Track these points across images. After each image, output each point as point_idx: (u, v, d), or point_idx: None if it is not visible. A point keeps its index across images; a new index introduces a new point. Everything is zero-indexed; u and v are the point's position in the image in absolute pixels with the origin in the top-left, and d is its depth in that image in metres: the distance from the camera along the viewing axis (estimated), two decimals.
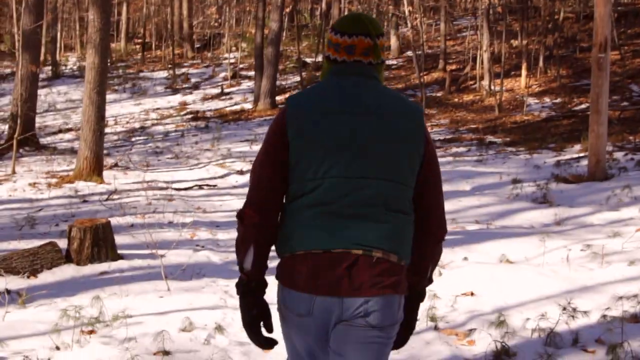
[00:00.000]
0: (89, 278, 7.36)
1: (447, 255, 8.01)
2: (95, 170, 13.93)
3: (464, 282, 6.88)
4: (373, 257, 2.84)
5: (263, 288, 3.05)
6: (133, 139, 21.69)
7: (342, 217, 2.86)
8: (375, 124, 2.91)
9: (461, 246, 8.40)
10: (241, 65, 33.69)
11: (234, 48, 37.00)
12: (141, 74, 33.97)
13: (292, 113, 2.94)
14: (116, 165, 16.31)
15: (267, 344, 3.08)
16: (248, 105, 26.78)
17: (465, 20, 35.68)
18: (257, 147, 18.52)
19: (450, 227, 9.53)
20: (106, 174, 14.89)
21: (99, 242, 7.69)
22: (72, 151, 18.13)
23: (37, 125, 24.01)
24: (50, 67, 34.77)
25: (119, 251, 8.10)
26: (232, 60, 34.42)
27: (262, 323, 3.07)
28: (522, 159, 15.05)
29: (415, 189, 2.97)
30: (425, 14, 32.49)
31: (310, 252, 2.87)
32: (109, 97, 29.19)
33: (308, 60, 32.43)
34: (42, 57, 38.44)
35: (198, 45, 41.02)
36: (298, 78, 28.44)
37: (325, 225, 2.87)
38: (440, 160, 14.32)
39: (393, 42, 32.31)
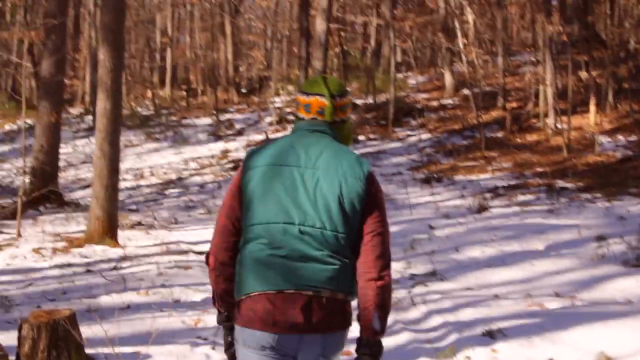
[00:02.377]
0: None
1: (526, 351, 6.01)
2: (108, 232, 12.15)
3: None
4: (322, 297, 3.16)
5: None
6: (167, 192, 19.97)
7: (289, 259, 3.16)
8: (319, 177, 3.22)
9: (541, 335, 6.38)
10: (288, 110, 32.00)
11: (281, 91, 35.37)
12: (184, 121, 32.42)
13: (247, 165, 3.33)
14: (139, 223, 14.53)
15: None
16: None
17: (523, 55, 33.66)
18: None
19: (524, 305, 7.55)
20: (125, 234, 13.15)
21: (57, 343, 5.80)
22: None
23: (70, 178, 22.69)
24: (91, 117, 33.53)
25: (92, 350, 6.21)
26: (279, 105, 32.80)
27: None
28: (600, 208, 12.90)
29: (357, 235, 3.23)
30: (482, 46, 30.50)
31: (265, 292, 3.17)
32: (149, 146, 27.91)
33: (358, 101, 30.64)
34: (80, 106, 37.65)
35: (244, 90, 39.51)
36: None
37: (275, 267, 3.16)
38: (505, 210, 12.33)
39: (447, 79, 30.38)
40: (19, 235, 12.93)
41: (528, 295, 7.84)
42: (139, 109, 36.49)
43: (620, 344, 6.06)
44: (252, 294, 3.17)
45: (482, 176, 18.07)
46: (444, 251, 10.59)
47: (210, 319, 7.48)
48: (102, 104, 12.28)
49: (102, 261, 10.82)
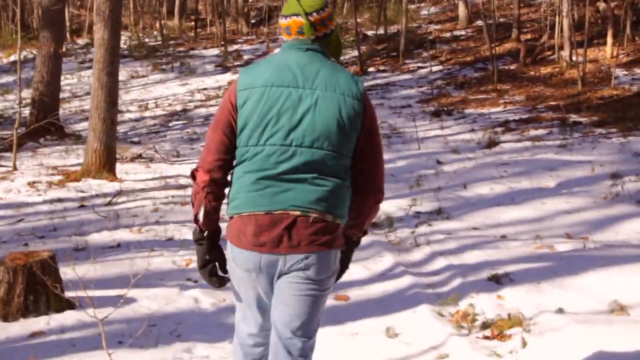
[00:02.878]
0: (14, 342, 5.16)
1: (534, 297, 5.62)
2: (106, 165, 11.78)
3: None
4: (309, 217, 3.19)
5: (218, 235, 3.45)
6: (171, 124, 19.53)
7: (281, 181, 3.20)
8: (315, 96, 3.20)
9: (551, 281, 5.97)
10: None
11: None
12: (191, 52, 31.78)
13: (242, 85, 3.27)
14: (140, 156, 14.13)
15: (220, 283, 3.46)
16: None
17: None
18: None
19: (534, 247, 7.12)
20: (125, 168, 12.78)
21: (35, 287, 5.46)
22: None
23: (74, 110, 22.25)
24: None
25: (74, 293, 5.86)
26: None
27: (218, 266, 3.45)
28: (615, 144, 12.37)
29: (353, 156, 3.29)
30: None
31: (254, 213, 3.20)
32: (155, 77, 27.37)
33: (369, 33, 29.96)
34: (87, 36, 37.07)
35: (254, 21, 38.71)
36: (356, 53, 25.94)
37: (266, 189, 3.20)
38: (516, 145, 11.81)
39: (461, 10, 29.66)
40: (15, 168, 12.59)
41: (538, 236, 7.40)
42: (147, 40, 35.87)
43: (635, 291, 5.65)
44: (242, 214, 3.24)
45: (494, 110, 17.53)
46: (451, 188, 10.17)
47: None
48: (100, 33, 11.80)
49: (97, 196, 10.47)
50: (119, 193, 10.43)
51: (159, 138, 17.27)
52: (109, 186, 11.08)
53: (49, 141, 16.56)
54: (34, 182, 11.47)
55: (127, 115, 21.09)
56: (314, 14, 3.32)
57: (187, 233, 8.17)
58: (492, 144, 13.14)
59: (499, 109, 17.58)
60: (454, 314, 5.54)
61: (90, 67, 29.22)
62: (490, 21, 24.80)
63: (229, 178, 3.39)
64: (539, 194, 9.35)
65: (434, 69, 23.66)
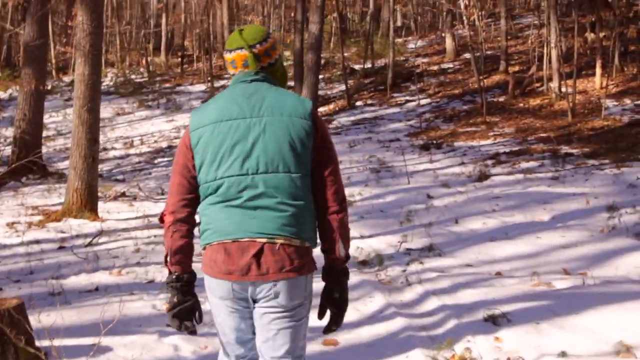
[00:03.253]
0: None
1: (534, 339, 5.32)
2: (88, 204, 11.46)
3: None
4: (276, 244, 3.28)
5: (191, 279, 3.48)
6: (156, 161, 19.23)
7: (246, 209, 3.30)
8: (263, 123, 3.32)
9: (551, 321, 5.66)
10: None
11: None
12: (178, 88, 31.58)
13: (193, 125, 3.42)
14: (123, 194, 13.81)
15: (188, 328, 3.52)
16: None
17: (526, 19, 32.76)
18: None
19: (530, 284, 6.81)
20: (107, 206, 12.45)
21: (2, 337, 5.11)
22: None
23: (58, 147, 21.91)
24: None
25: (47, 342, 5.52)
26: None
27: (196, 313, 3.52)
28: (609, 175, 12.10)
29: (311, 174, 3.37)
30: (483, 8, 29.55)
31: (223, 242, 3.33)
32: (141, 114, 27.12)
33: (357, 67, 29.82)
34: (73, 74, 36.80)
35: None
36: (344, 87, 25.74)
37: (232, 217, 3.31)
38: (508, 178, 11.45)
39: (448, 43, 29.54)
40: None
41: (534, 272, 7.09)
42: (133, 76, 35.69)
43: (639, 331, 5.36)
44: (212, 244, 3.36)
45: (483, 142, 17.29)
46: (442, 223, 9.87)
47: None
48: (81, 69, 11.54)
49: (78, 236, 10.14)
50: (100, 233, 10.10)
51: (143, 175, 16.98)
52: (90, 226, 10.76)
53: (31, 180, 16.21)
54: (12, 223, 11.14)
55: (112, 153, 20.83)
56: (257, 45, 3.47)
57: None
58: (482, 177, 12.88)
59: (489, 141, 17.34)
60: (450, 358, 5.21)
61: (69, 106, 29.14)
62: (478, 53, 24.72)
63: (196, 218, 3.49)
64: (533, 228, 9.07)
65: (422, 102, 23.46)
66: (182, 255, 3.43)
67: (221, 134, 3.32)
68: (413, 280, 7.23)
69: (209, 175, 3.34)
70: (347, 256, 3.49)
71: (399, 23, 38.94)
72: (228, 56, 3.50)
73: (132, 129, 24.63)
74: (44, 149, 17.88)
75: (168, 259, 3.46)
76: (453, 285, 6.90)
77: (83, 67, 11.48)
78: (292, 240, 3.29)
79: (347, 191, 12.65)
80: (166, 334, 5.88)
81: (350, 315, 6.29)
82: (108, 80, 36.08)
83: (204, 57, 34.15)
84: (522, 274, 7.22)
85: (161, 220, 3.48)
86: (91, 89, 11.54)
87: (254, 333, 3.49)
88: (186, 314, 3.47)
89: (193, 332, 3.54)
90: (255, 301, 3.36)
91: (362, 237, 9.54)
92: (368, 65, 29.09)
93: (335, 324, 3.57)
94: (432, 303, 6.48)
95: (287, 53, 32.74)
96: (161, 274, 7.88)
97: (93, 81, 11.56)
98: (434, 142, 17.85)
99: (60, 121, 25.60)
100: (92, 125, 11.56)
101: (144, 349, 5.56)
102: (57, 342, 5.37)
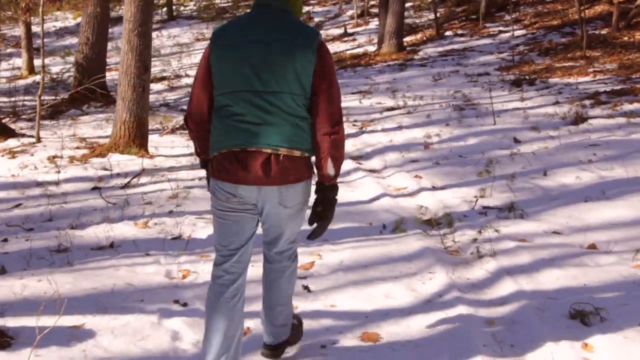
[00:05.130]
0: None
1: (634, 348, 4.00)
2: (136, 138, 10.41)
3: None
4: (280, 154, 3.60)
5: None
6: None
7: (252, 124, 3.59)
8: (276, 47, 3.59)
9: None
10: (372, 3, 29.60)
11: None
12: None
13: (215, 42, 3.70)
14: (182, 127, 12.73)
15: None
16: (372, 48, 22.80)
17: None
18: (368, 102, 14.62)
19: (632, 265, 5.37)
20: (162, 140, 11.46)
21: None
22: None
23: None
24: (165, 9, 31.85)
25: (16, 321, 4.47)
26: None
27: None
28: None
29: (311, 97, 3.66)
30: None
31: (232, 150, 3.62)
32: None
33: None
34: None
35: None
36: (433, 16, 24.06)
37: (240, 129, 3.59)
38: (608, 122, 9.43)
39: None
40: (38, 139, 11.30)
41: (638, 249, 5.72)
42: (217, 1, 34.65)
43: None
44: (222, 151, 3.64)
45: (582, 79, 15.57)
46: (528, 175, 8.48)
47: (207, 268, 5.67)
48: None
49: (118, 175, 9.13)
50: (140, 173, 9.04)
51: None
52: (136, 163, 9.74)
53: (92, 109, 15.32)
54: (54, 157, 10.18)
55: (184, 80, 19.83)
56: None
57: (200, 229, 6.74)
58: (579, 119, 11.33)
59: (588, 78, 15.61)
60: None
61: (154, 30, 28.28)
62: None
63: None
64: (638, 186, 7.60)
65: (517, 33, 21.72)
66: (206, 149, 3.83)
67: (237, 52, 3.61)
68: (485, 251, 5.92)
69: (224, 87, 3.64)
70: (336, 174, 3.76)
71: None
72: None
73: None
74: (108, 77, 16.91)
75: (197, 151, 3.96)
76: (534, 261, 5.58)
77: None
78: (293, 152, 3.62)
79: (424, 131, 11.36)
80: (169, 314, 4.76)
81: (401, 296, 5.09)
82: (192, 4, 35.12)
83: None
84: (623, 248, 5.81)
85: (185, 123, 3.89)
86: (142, 11, 10.40)
87: (248, 240, 3.82)
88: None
89: None
90: (259, 205, 3.70)
91: (433, 188, 8.26)
92: None
93: (315, 234, 3.87)
94: (505, 287, 5.16)
95: None
96: (192, 228, 6.79)
97: (144, 2, 10.40)
98: (527, 77, 16.21)
99: None
100: (143, 52, 10.44)
101: (135, 335, 4.44)
102: (25, 320, 4.32)
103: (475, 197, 7.66)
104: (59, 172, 9.22)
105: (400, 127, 11.92)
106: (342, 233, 6.64)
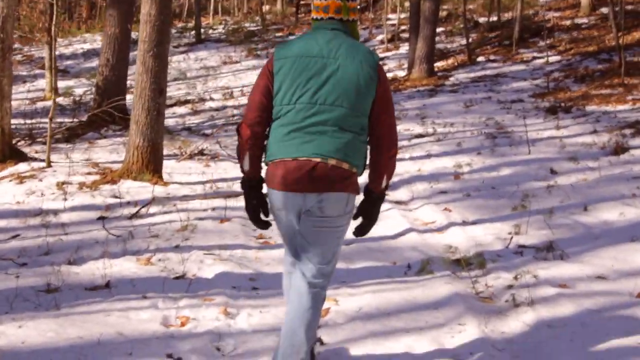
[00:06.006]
0: None
1: None
2: (150, 164, 9.86)
3: None
4: (328, 164, 3.75)
5: (261, 184, 4.08)
6: None
7: (307, 133, 3.78)
8: (337, 64, 3.82)
9: None
10: (403, 27, 29.07)
11: (399, 7, 32.26)
12: (290, 38, 29.95)
13: (277, 56, 3.93)
14: (201, 153, 12.19)
15: (264, 225, 4.14)
16: (402, 73, 22.23)
17: None
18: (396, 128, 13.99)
19: None
20: (179, 166, 10.92)
21: None
22: (167, 131, 13.93)
23: None
24: (193, 32, 31.60)
25: None
26: (394, 22, 29.87)
27: (261, 210, 4.11)
28: None
29: (370, 117, 3.88)
30: None
31: (283, 160, 3.80)
32: (248, 63, 25.64)
33: (481, 19, 27.46)
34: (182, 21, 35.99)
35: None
36: (465, 41, 23.44)
37: (294, 139, 3.78)
38: None
39: None
40: (49, 164, 10.78)
41: None
42: (246, 24, 34.35)
43: None
44: (275, 160, 3.85)
45: (620, 107, 14.85)
46: (567, 209, 7.82)
47: (209, 314, 5.06)
48: (146, 7, 9.87)
49: (128, 203, 8.57)
50: (150, 203, 8.48)
51: (232, 131, 15.31)
52: (148, 190, 9.17)
53: (110, 132, 14.84)
54: (63, 183, 9.65)
55: (208, 104, 19.34)
56: (350, 1, 4.01)
57: (208, 267, 6.15)
58: (619, 149, 10.65)
59: (627, 106, 14.90)
60: None
61: (183, 52, 27.97)
62: (618, 8, 21.99)
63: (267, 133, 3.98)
64: None
65: (551, 59, 21.04)
66: (257, 164, 3.97)
67: (300, 67, 3.83)
68: (522, 298, 5.25)
69: (284, 99, 3.83)
70: (387, 187, 4.05)
71: None
72: (322, 2, 3.96)
73: (236, 78, 23.17)
74: (128, 99, 16.45)
75: (245, 166, 3.97)
76: (578, 313, 4.91)
77: (149, 6, 9.83)
78: (342, 164, 3.78)
79: (454, 160, 10.77)
80: None
81: (426, 354, 4.46)
82: (221, 28, 34.82)
83: None
84: None
85: (238, 131, 3.95)
86: (158, 32, 9.89)
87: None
88: (258, 211, 4.09)
89: (265, 227, 4.15)
90: (304, 211, 3.85)
91: (464, 222, 7.64)
92: (493, 18, 26.69)
93: (360, 232, 4.17)
94: (547, 347, 4.48)
95: (407, 4, 30.60)
96: (198, 266, 6.19)
97: (160, 22, 9.89)
98: (562, 104, 15.53)
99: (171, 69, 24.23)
100: (158, 74, 9.93)
101: None
102: None
103: (510, 234, 7.03)
104: (65, 199, 8.69)
105: (429, 156, 11.31)
106: (363, 274, 6.04)
